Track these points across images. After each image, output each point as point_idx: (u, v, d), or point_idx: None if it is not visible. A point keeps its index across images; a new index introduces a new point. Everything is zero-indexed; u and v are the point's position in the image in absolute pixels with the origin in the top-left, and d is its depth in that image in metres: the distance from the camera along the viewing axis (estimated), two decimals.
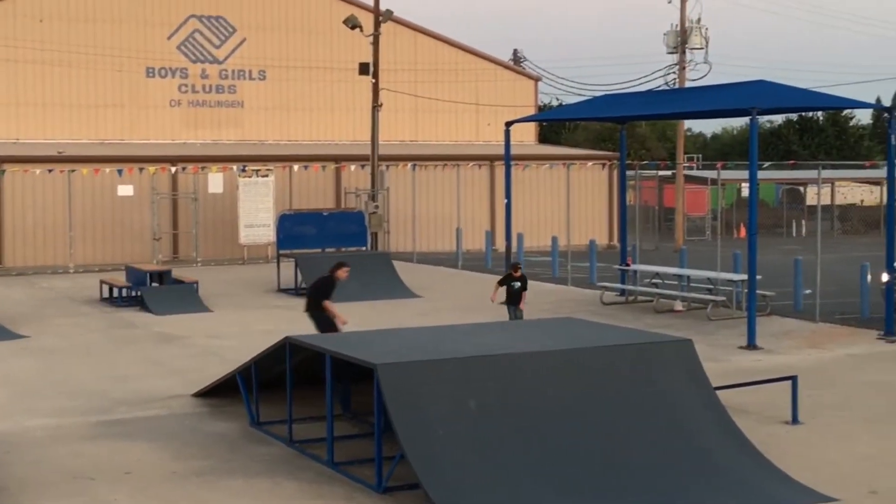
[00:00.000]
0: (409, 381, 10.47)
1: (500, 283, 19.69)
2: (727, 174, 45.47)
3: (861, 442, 12.42)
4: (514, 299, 19.44)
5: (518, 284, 19.42)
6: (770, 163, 41.93)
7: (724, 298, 22.83)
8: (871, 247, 23.32)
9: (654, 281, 25.30)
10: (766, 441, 11.72)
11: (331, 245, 28.64)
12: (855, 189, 58.72)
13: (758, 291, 19.73)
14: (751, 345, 18.56)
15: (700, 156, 61.80)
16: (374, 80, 34.39)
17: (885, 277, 20.54)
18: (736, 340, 18.98)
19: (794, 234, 49.14)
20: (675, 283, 24.68)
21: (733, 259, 25.21)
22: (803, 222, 49.25)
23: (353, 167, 37.60)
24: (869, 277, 22.50)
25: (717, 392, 12.08)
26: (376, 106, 34.42)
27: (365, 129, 34.78)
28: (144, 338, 19.81)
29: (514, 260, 22.44)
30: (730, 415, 11.52)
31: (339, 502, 10.18)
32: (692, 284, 24.38)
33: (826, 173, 49.57)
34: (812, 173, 49.66)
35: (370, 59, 34.25)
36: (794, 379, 13.38)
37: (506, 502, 9.62)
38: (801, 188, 53.73)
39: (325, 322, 15.65)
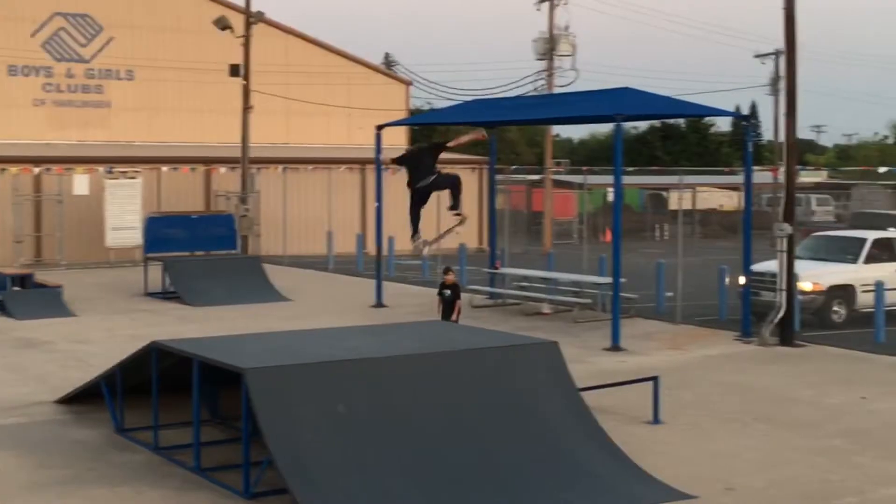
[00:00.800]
0: (278, 386, 10.39)
1: (439, 293, 18.24)
2: (594, 179, 46.23)
3: (718, 440, 12.78)
4: (447, 310, 17.79)
5: (449, 292, 17.91)
6: (634, 168, 42.76)
7: (590, 301, 23.24)
8: (730, 250, 24.05)
9: (522, 284, 25.60)
10: (627, 440, 11.95)
11: (200, 248, 28.18)
12: (715, 194, 60.43)
13: (622, 294, 20.13)
14: (615, 346, 18.93)
15: (568, 161, 62.71)
16: (244, 82, 33.98)
17: (741, 280, 21.20)
18: (601, 342, 19.33)
19: (657, 238, 50.28)
20: (543, 286, 25.03)
21: (599, 262, 25.72)
22: (666, 226, 50.41)
23: (223, 169, 37.10)
24: (727, 280, 23.18)
25: (582, 393, 12.30)
26: (247, 108, 34.03)
27: (235, 131, 34.33)
28: (4, 343, 19.20)
29: (446, 266, 20.37)
30: (593, 415, 11.72)
31: None
32: (559, 287, 24.77)
33: (688, 179, 50.83)
34: (675, 179, 50.85)
35: (241, 61, 33.85)
36: (655, 380, 13.70)
37: (375, 500, 9.61)
38: (665, 193, 55.03)
39: None
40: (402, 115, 43.94)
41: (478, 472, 10.34)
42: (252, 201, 34.77)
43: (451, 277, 17.98)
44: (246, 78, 33.88)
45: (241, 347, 12.09)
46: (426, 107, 70.61)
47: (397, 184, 38.36)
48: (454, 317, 17.69)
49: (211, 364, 11.04)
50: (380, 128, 25.07)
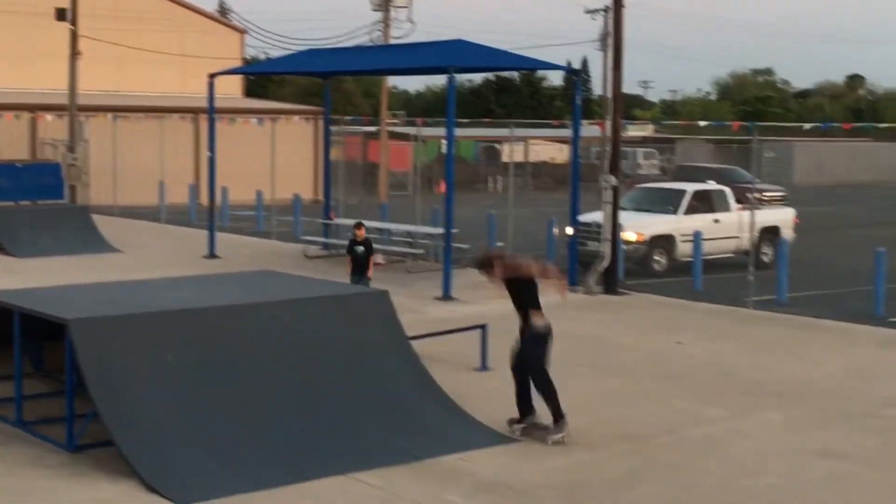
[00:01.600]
0: (103, 337, 10.14)
1: (348, 251, 17.14)
2: (429, 131, 46.36)
3: None
4: (359, 267, 16.70)
5: (362, 249, 16.83)
6: (468, 120, 43.06)
7: (423, 251, 23.38)
8: (561, 202, 24.47)
9: None
10: (456, 387, 12.11)
11: (26, 198, 27.26)
12: (547, 147, 61.42)
13: (454, 245, 20.32)
14: (446, 296, 19.13)
15: (404, 112, 62.73)
16: (71, 27, 32.73)
17: (569, 231, 21.65)
18: (433, 292, 19.50)
19: (490, 190, 50.84)
20: (377, 236, 25.04)
21: (432, 214, 25.87)
22: (500, 178, 51.03)
23: (49, 117, 35.79)
24: (555, 231, 23.64)
25: (412, 341, 12.39)
26: (74, 54, 32.81)
27: (64, 77, 33.06)
28: None
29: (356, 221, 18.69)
30: (422, 363, 11.83)
31: (26, 463, 9.75)
32: (393, 238, 24.82)
33: (520, 132, 51.52)
34: (507, 132, 51.41)
35: (68, 5, 32.56)
36: (483, 328, 13.90)
37: (203, 454, 9.51)
38: (498, 146, 55.61)
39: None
40: (236, 64, 43.17)
41: (309, 421, 10.33)
42: (81, 150, 33.66)
43: (362, 232, 16.87)
44: (73, 23, 32.63)
45: (66, 298, 11.73)
46: (262, 56, 69.48)
47: (232, 134, 37.85)
48: (370, 273, 16.76)
49: (33, 315, 10.68)
50: (212, 76, 24.54)
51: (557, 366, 13.97)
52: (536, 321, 10.67)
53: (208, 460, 9.46)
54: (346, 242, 24.84)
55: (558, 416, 10.43)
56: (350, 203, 35.35)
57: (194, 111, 38.55)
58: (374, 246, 23.96)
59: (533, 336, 10.66)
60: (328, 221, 25.89)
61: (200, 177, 37.41)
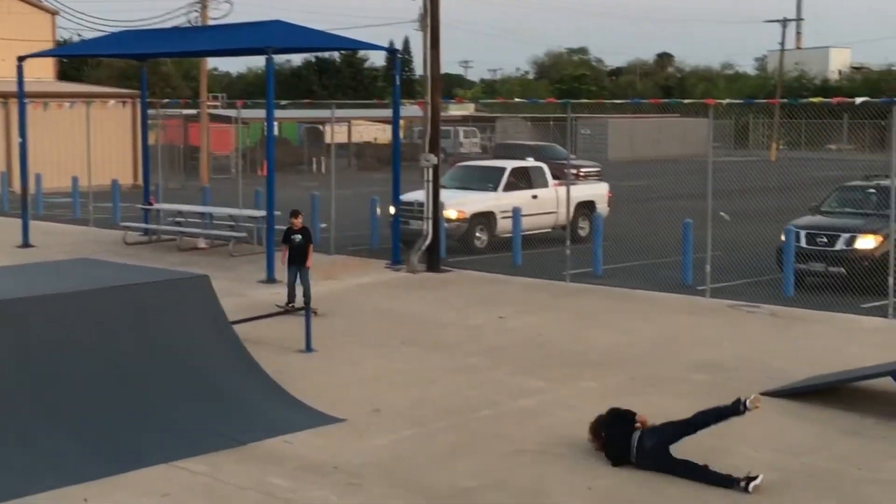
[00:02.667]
0: None
1: (284, 241, 16.34)
2: (250, 113, 45.70)
3: (367, 365, 13.09)
4: (297, 257, 15.94)
5: (300, 238, 16.05)
6: (289, 101, 42.57)
7: (245, 234, 23.05)
8: (384, 182, 24.52)
9: (177, 220, 25.03)
10: (281, 370, 12.03)
11: None
12: (370, 128, 61.36)
13: (276, 227, 20.09)
14: (270, 279, 18.93)
15: (224, 95, 61.62)
16: None
17: (391, 210, 21.71)
18: (256, 275, 19.27)
19: (315, 171, 50.49)
20: (199, 220, 24.57)
21: (255, 196, 25.53)
22: (323, 159, 50.72)
23: None
24: (378, 211, 23.66)
25: (235, 325, 12.21)
26: None
27: None
28: None
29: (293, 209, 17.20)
30: (246, 347, 11.66)
31: None
32: (216, 222, 24.40)
33: (342, 113, 51.28)
34: (328, 112, 51.08)
35: None
36: (306, 309, 13.80)
37: (15, 450, 9.14)
38: (322, 127, 55.21)
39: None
40: (47, 46, 41.47)
41: (128, 411, 10.04)
42: None
43: (299, 221, 16.11)
44: None
45: None
46: (75, 38, 67.08)
47: (45, 119, 36.43)
48: (309, 262, 16.08)
49: None
50: (21, 59, 23.52)
51: (380, 344, 14.09)
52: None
53: (20, 456, 9.10)
54: (168, 227, 24.45)
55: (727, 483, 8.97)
56: (171, 188, 34.61)
57: (4, 96, 36.90)
58: (195, 230, 23.68)
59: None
60: (148, 207, 25.25)
61: (12, 164, 35.85)
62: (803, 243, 18.30)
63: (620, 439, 9.38)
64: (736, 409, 9.14)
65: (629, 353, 13.71)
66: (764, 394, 11.44)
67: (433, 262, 20.34)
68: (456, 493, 8.74)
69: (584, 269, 19.73)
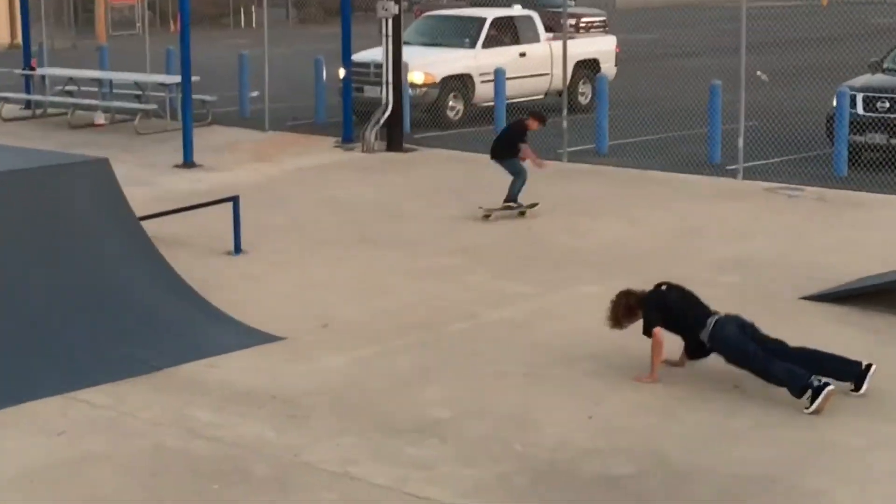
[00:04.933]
0: None
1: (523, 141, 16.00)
2: None
3: (313, 269, 13.18)
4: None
5: None
6: None
7: (155, 107, 22.89)
8: (331, 38, 24.26)
9: (67, 88, 24.81)
10: (204, 277, 12.09)
11: None
12: None
13: (195, 96, 19.98)
14: (188, 162, 18.90)
15: None
16: None
17: (341, 73, 21.57)
18: (171, 157, 19.22)
19: (243, 26, 49.97)
20: (96, 90, 24.34)
21: (167, 57, 25.30)
22: (253, 10, 50.12)
23: None
24: (324, 74, 23.51)
25: (145, 222, 12.22)
26: None
27: None
28: None
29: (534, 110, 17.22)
30: (158, 249, 11.68)
31: None
32: (117, 91, 24.19)
33: None
34: None
35: None
36: (235, 200, 13.80)
37: None
38: None
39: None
40: None
41: (15, 333, 10.05)
42: None
43: (538, 125, 15.92)
44: None
45: None
46: None
47: None
48: None
49: None
50: None
51: (330, 243, 14.15)
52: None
53: None
54: (56, 98, 24.24)
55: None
56: (59, 47, 34.26)
57: None
58: (91, 101, 23.50)
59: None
60: (30, 73, 24.99)
61: None
62: (860, 109, 18.33)
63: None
64: (853, 372, 9.30)
65: (640, 249, 13.82)
66: (807, 298, 11.60)
67: (394, 138, 20.31)
68: (424, 425, 8.87)
69: (585, 145, 19.76)
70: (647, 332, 9.75)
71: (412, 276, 12.86)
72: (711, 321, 9.61)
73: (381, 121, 20.32)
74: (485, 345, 10.66)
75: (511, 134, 16.10)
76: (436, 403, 9.30)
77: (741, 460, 8.22)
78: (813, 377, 9.01)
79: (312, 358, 10.33)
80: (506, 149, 15.86)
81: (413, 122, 21.86)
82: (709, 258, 13.38)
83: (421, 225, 15.15)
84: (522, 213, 15.61)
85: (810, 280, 12.22)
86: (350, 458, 8.29)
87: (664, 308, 9.79)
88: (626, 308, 9.91)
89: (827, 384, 8.95)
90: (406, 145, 20.40)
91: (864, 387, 9.22)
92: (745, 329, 9.52)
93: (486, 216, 15.44)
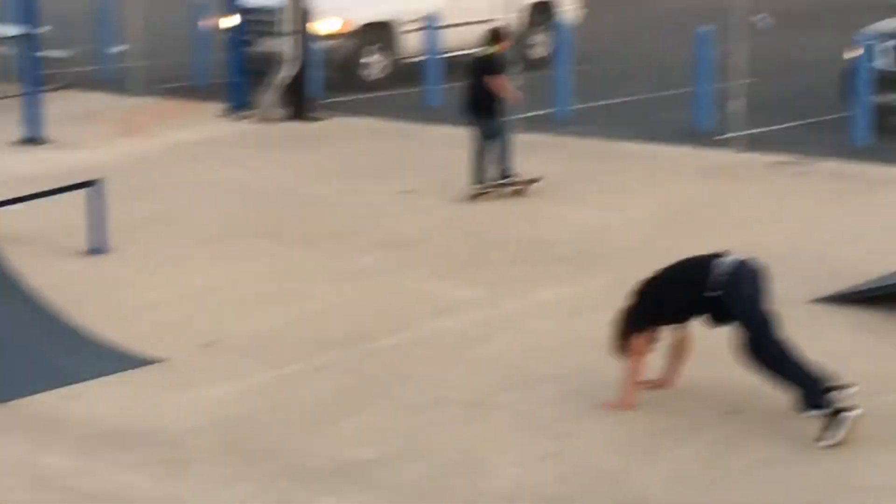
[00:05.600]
0: None
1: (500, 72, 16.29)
2: None
3: (195, 272, 13.13)
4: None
5: None
6: None
7: None
8: None
9: None
10: (57, 285, 11.97)
11: None
12: None
13: (44, 53, 19.81)
14: (33, 137, 18.76)
15: None
16: None
17: (227, 23, 21.47)
18: (11, 131, 19.04)
19: None
20: None
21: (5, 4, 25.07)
22: None
23: None
24: (207, 23, 23.39)
25: None
26: None
27: None
28: None
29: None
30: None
31: None
32: None
33: None
34: None
35: None
36: (95, 185, 13.70)
37: None
38: None
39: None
40: None
41: None
42: None
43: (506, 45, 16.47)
44: None
45: None
46: None
47: None
48: None
49: None
50: None
51: (217, 238, 14.11)
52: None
53: None
54: None
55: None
56: None
57: None
58: None
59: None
60: None
61: None
62: (886, 63, 18.47)
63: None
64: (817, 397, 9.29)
65: (615, 241, 13.88)
66: (820, 300, 11.67)
67: (299, 104, 20.30)
68: (342, 469, 8.83)
69: (541, 109, 19.77)
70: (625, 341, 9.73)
71: (326, 280, 12.82)
72: (726, 259, 9.66)
73: (282, 83, 20.24)
74: (420, 365, 10.64)
75: (483, 75, 15.96)
76: (357, 441, 9.26)
77: None
78: (834, 392, 9.05)
79: (198, 385, 10.26)
80: (485, 101, 15.84)
81: (324, 82, 21.77)
82: (700, 250, 13.39)
83: (337, 214, 15.13)
84: (518, 192, 15.73)
85: (825, 278, 12.28)
86: None
87: (656, 299, 9.77)
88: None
89: (854, 406, 8.98)
90: (314, 113, 20.35)
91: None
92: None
93: (480, 194, 15.59)
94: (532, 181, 15.74)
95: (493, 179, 15.66)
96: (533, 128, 19.09)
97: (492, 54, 15.94)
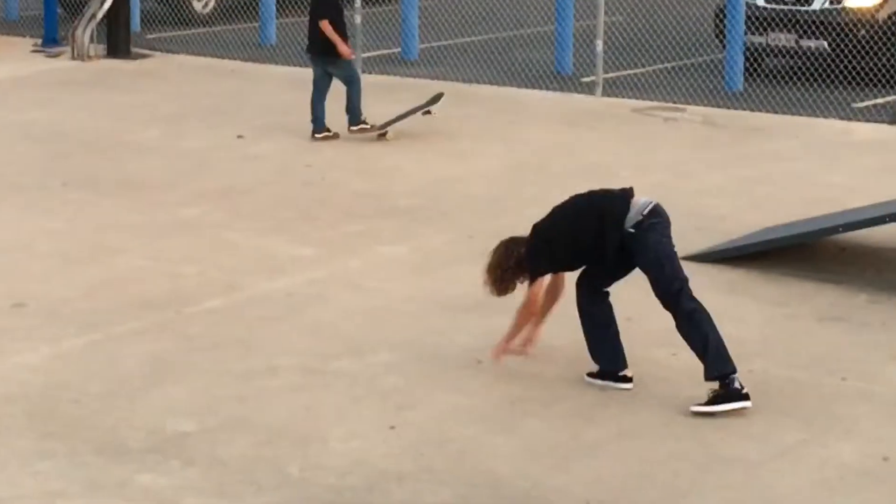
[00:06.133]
0: None
1: (330, 17, 16.09)
2: None
3: (6, 225, 12.98)
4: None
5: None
6: None
7: None
8: None
9: None
10: None
11: None
12: None
13: None
14: None
15: None
16: None
17: None
18: None
19: None
20: None
21: None
22: None
23: None
24: None
25: None
26: None
27: None
28: None
29: None
30: None
31: None
32: None
33: None
34: None
35: None
36: None
37: None
38: None
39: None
40: None
41: None
42: None
43: None
44: None
45: None
46: None
47: None
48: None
49: None
50: None
51: (25, 187, 14.01)
52: None
53: None
54: None
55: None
56: None
57: None
58: None
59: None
60: None
61: None
62: (761, 1, 18.64)
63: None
64: None
65: (463, 194, 13.86)
66: (688, 258, 11.76)
67: (119, 40, 20.08)
68: (161, 443, 8.74)
69: (386, 49, 19.73)
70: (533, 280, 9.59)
71: (144, 234, 12.69)
72: (640, 199, 9.61)
73: (100, 15, 20.00)
74: (247, 330, 10.57)
75: (317, 17, 15.97)
76: (178, 412, 9.18)
77: (599, 482, 8.28)
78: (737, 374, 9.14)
79: (1, 351, 10.13)
80: (323, 42, 15.86)
81: (145, 16, 21.55)
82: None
83: (157, 161, 15.00)
84: (383, 135, 15.84)
85: (694, 234, 12.35)
86: (56, 491, 8.14)
87: (565, 232, 9.66)
88: (518, 260, 9.71)
89: (748, 396, 9.07)
90: (136, 50, 20.22)
91: None
92: None
93: (382, 134, 15.82)
94: (383, 131, 15.73)
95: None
96: (378, 68, 19.11)
97: None
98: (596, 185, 13.57)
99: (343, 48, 15.81)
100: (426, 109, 15.82)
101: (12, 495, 8.11)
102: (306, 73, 17.95)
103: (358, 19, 19.21)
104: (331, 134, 15.64)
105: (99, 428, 8.98)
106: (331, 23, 15.67)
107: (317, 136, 15.58)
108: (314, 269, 11.87)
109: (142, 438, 8.83)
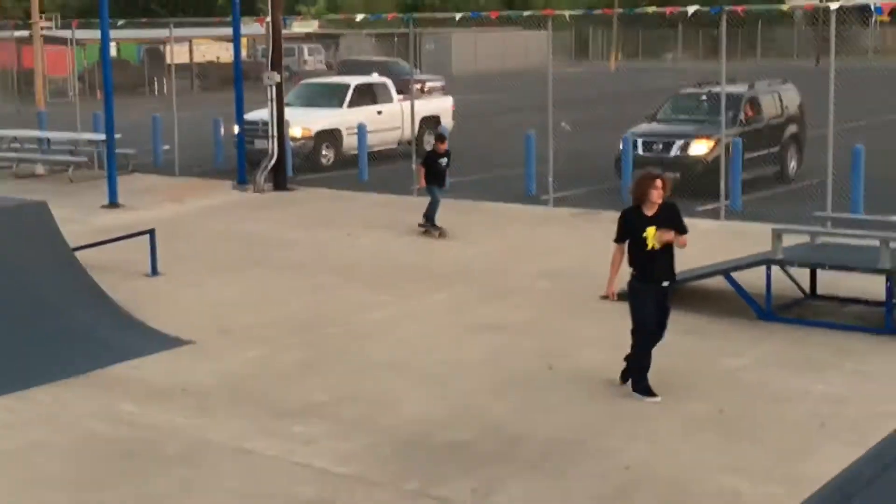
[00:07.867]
0: None
1: (424, 164, 16.31)
2: (85, 34, 43.91)
3: (215, 287, 12.92)
4: (440, 179, 16.25)
5: (445, 161, 16.27)
6: (125, 21, 41.01)
7: (85, 159, 22.32)
8: (229, 102, 23.86)
9: (12, 145, 24.03)
10: (128, 296, 11.78)
11: None
12: (213, 46, 59.74)
13: (118, 150, 19.51)
14: (112, 203, 18.43)
15: (58, 15, 59.01)
16: None
17: (235, 129, 21.25)
18: (99, 200, 18.71)
19: (156, 93, 49.07)
20: (36, 146, 23.63)
21: (94, 119, 24.66)
22: (165, 80, 49.27)
23: None
24: (222, 131, 23.16)
25: (79, 252, 11.87)
26: None
27: None
28: None
29: (437, 131, 20.02)
30: (90, 274, 11.35)
31: None
32: (54, 147, 23.51)
33: (182, 31, 49.76)
34: (166, 32, 49.44)
35: None
36: (151, 232, 13.49)
37: None
38: (162, 47, 53.51)
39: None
40: None
41: None
42: None
43: (444, 146, 16.30)
44: None
45: None
46: None
47: None
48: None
49: None
50: None
51: (228, 266, 13.93)
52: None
53: None
54: (3, 154, 23.48)
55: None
56: (6, 113, 33.15)
57: None
58: (32, 156, 22.84)
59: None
60: None
61: None
62: (640, 150, 18.65)
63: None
64: None
65: (477, 265, 13.85)
66: (605, 297, 11.71)
67: (280, 180, 20.08)
68: (306, 407, 8.74)
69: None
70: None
71: (297, 291, 12.68)
72: None
73: (269, 167, 20.06)
74: (357, 343, 10.55)
75: (426, 163, 16.30)
76: (316, 390, 9.18)
77: (557, 427, 8.27)
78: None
79: (215, 358, 10.12)
80: (426, 177, 16.17)
81: (294, 167, 21.61)
82: (530, 270, 13.47)
83: (303, 250, 14.97)
84: (426, 232, 15.72)
85: (599, 283, 12.28)
86: (245, 436, 8.13)
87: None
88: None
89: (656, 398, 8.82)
90: (289, 186, 20.17)
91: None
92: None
93: (426, 232, 15.70)
94: (438, 231, 15.76)
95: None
96: (426, 194, 18.98)
97: (434, 150, 16.35)
98: (554, 259, 13.65)
99: (421, 181, 16.25)
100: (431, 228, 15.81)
101: (221, 439, 8.10)
102: (387, 198, 18.01)
103: (414, 167, 19.27)
104: (423, 226, 15.83)
105: (271, 400, 8.97)
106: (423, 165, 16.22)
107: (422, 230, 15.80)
108: (392, 309, 11.86)
109: (296, 405, 8.82)
